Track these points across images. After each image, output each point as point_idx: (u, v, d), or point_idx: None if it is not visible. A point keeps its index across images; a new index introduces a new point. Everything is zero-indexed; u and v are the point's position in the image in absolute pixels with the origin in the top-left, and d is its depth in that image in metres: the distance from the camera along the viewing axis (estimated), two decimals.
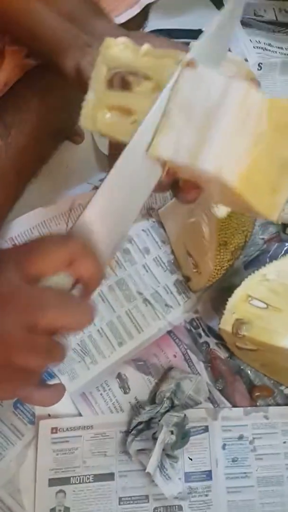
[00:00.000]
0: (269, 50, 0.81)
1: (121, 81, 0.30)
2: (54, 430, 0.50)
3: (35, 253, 0.28)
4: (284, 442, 0.53)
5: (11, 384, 0.29)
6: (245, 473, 0.52)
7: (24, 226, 0.58)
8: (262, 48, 0.81)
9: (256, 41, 0.81)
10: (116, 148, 0.31)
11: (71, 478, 0.49)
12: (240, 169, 0.27)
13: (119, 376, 0.55)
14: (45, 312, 0.26)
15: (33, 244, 0.29)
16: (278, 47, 0.82)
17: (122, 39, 0.30)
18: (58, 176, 0.62)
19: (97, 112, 0.30)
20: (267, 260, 0.60)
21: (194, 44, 0.30)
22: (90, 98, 0.30)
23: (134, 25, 0.59)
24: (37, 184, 0.58)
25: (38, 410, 0.51)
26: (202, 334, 0.58)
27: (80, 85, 0.36)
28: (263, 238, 0.64)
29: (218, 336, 0.57)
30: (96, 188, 0.63)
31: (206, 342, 0.58)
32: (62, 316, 0.27)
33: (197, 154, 0.26)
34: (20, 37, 0.43)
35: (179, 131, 0.27)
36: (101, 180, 0.65)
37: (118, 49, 0.30)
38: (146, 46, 0.29)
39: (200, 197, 0.33)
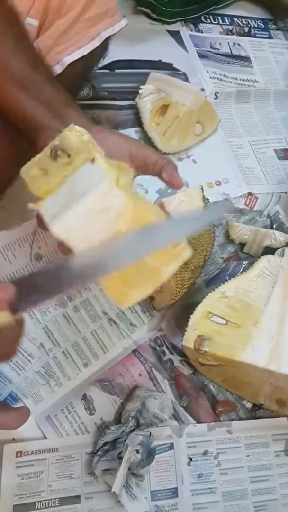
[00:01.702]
0: (225, 81, 0.86)
1: (54, 155, 0.38)
2: (19, 454, 0.50)
3: None
4: (247, 456, 0.55)
5: None
6: (210, 488, 0.53)
7: None
8: (218, 78, 0.86)
9: (213, 72, 0.86)
10: None
11: (37, 503, 0.49)
12: (87, 245, 0.33)
13: (84, 397, 0.55)
14: None
15: None
16: (233, 78, 0.87)
17: (79, 128, 0.38)
18: (22, 198, 0.63)
19: (32, 168, 0.38)
20: (227, 278, 0.63)
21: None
22: (36, 158, 0.38)
23: (95, 56, 0.62)
24: (1, 207, 0.59)
25: (2, 434, 0.50)
26: (166, 351, 0.59)
27: None
28: (222, 257, 0.67)
29: (182, 353, 0.59)
30: None
31: (170, 360, 0.59)
32: None
33: (54, 218, 0.33)
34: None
35: (56, 199, 0.34)
36: None
37: (72, 133, 0.38)
38: (87, 136, 0.37)
39: None
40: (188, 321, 0.54)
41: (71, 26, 0.57)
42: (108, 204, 0.34)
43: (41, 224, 0.39)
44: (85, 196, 0.33)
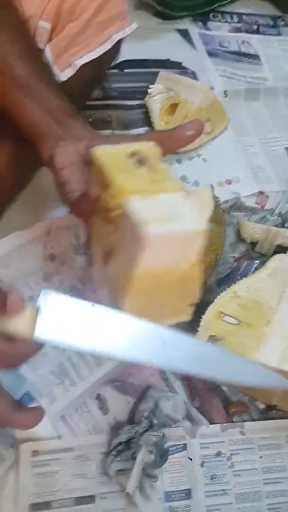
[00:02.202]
0: (234, 79, 0.86)
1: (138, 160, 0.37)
2: (35, 453, 0.50)
3: None
4: (261, 457, 0.55)
5: None
6: (223, 490, 0.53)
7: (2, 250, 0.59)
8: (227, 76, 0.85)
9: (222, 70, 0.86)
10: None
11: (52, 502, 0.49)
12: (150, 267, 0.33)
13: (98, 397, 0.55)
14: None
15: None
16: (242, 76, 0.87)
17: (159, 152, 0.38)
18: (35, 200, 0.63)
19: (110, 154, 0.37)
20: (238, 277, 0.63)
21: None
22: (112, 149, 0.38)
23: (107, 59, 0.62)
24: (15, 208, 0.59)
25: (19, 433, 0.51)
26: None
27: (51, 169, 0.44)
28: (234, 257, 0.67)
29: None
30: None
31: None
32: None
33: (151, 222, 0.32)
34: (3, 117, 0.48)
35: (148, 206, 0.34)
36: None
37: (146, 147, 0.39)
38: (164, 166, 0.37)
39: None
40: (199, 321, 0.54)
41: (83, 29, 0.57)
42: (191, 245, 0.33)
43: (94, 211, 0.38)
44: (185, 224, 0.33)
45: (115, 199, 0.35)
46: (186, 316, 0.37)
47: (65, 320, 0.31)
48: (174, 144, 0.43)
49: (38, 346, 0.33)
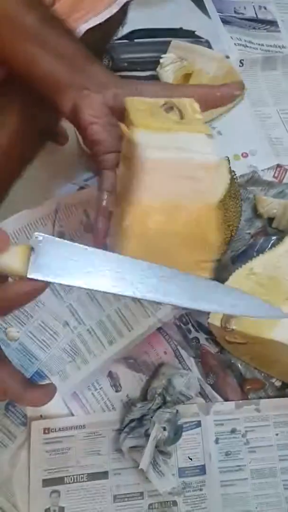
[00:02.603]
0: (250, 47, 0.82)
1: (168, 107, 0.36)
2: (47, 430, 0.50)
3: None
4: (277, 434, 0.54)
5: None
6: (238, 466, 0.52)
7: (10, 228, 0.58)
8: (243, 45, 0.81)
9: (237, 38, 0.82)
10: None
11: (65, 477, 0.49)
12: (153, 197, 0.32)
13: (110, 374, 0.55)
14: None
15: None
16: (259, 44, 0.83)
17: (198, 108, 0.37)
18: (43, 177, 0.62)
19: (140, 104, 0.36)
20: (254, 254, 0.61)
21: None
22: (145, 99, 0.37)
23: (114, 23, 0.60)
24: (22, 186, 0.58)
25: (30, 411, 0.51)
26: (192, 329, 0.58)
27: (76, 122, 0.39)
28: (249, 233, 0.65)
29: (208, 331, 0.57)
30: (81, 188, 0.63)
31: (196, 338, 0.58)
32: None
33: (152, 148, 0.31)
34: (17, 74, 0.44)
35: (158, 138, 0.33)
36: (86, 180, 0.65)
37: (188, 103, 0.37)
38: (200, 115, 0.36)
39: None
40: None
41: None
42: (199, 179, 0.31)
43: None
44: (193, 156, 0.31)
45: (129, 136, 0.33)
46: (204, 273, 0.35)
47: (58, 260, 0.30)
48: (218, 100, 0.40)
49: (30, 292, 0.31)
